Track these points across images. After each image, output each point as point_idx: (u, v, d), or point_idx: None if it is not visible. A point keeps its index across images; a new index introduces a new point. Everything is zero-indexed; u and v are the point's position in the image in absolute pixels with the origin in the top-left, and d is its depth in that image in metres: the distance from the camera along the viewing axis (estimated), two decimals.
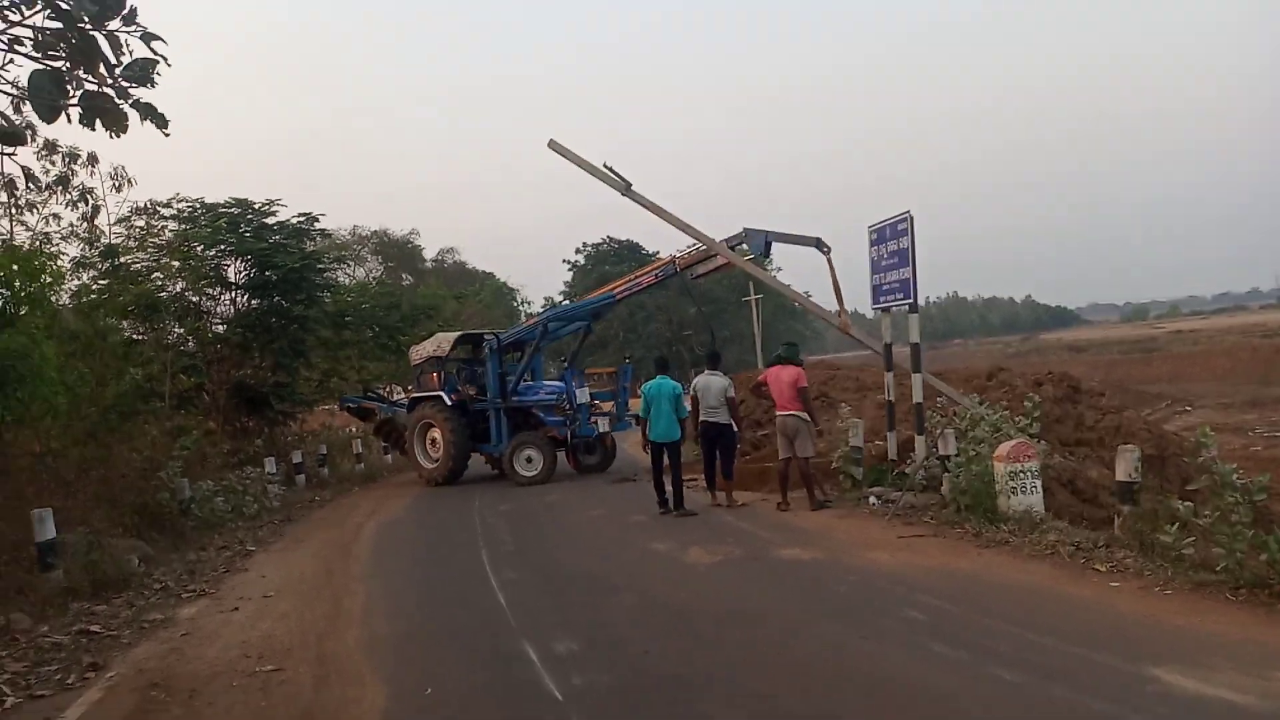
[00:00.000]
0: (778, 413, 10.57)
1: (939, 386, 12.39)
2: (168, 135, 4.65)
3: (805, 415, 10.46)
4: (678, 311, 57.03)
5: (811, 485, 10.43)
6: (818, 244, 13.47)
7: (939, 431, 9.82)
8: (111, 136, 4.44)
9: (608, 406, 16.28)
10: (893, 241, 10.58)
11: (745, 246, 14.04)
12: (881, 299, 10.97)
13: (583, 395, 15.29)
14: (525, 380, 15.94)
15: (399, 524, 12.22)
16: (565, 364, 17.66)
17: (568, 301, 47.85)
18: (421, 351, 16.75)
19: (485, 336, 16.62)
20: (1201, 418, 29.97)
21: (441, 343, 16.46)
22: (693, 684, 5.04)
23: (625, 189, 14.46)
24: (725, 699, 4.78)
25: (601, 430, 15.65)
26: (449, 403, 15.73)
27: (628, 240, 63.71)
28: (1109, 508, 8.76)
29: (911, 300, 10.31)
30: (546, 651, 5.74)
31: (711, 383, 10.78)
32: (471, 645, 6.17)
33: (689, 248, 14.73)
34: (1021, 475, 8.38)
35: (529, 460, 14.98)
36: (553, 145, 14.98)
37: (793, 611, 6.42)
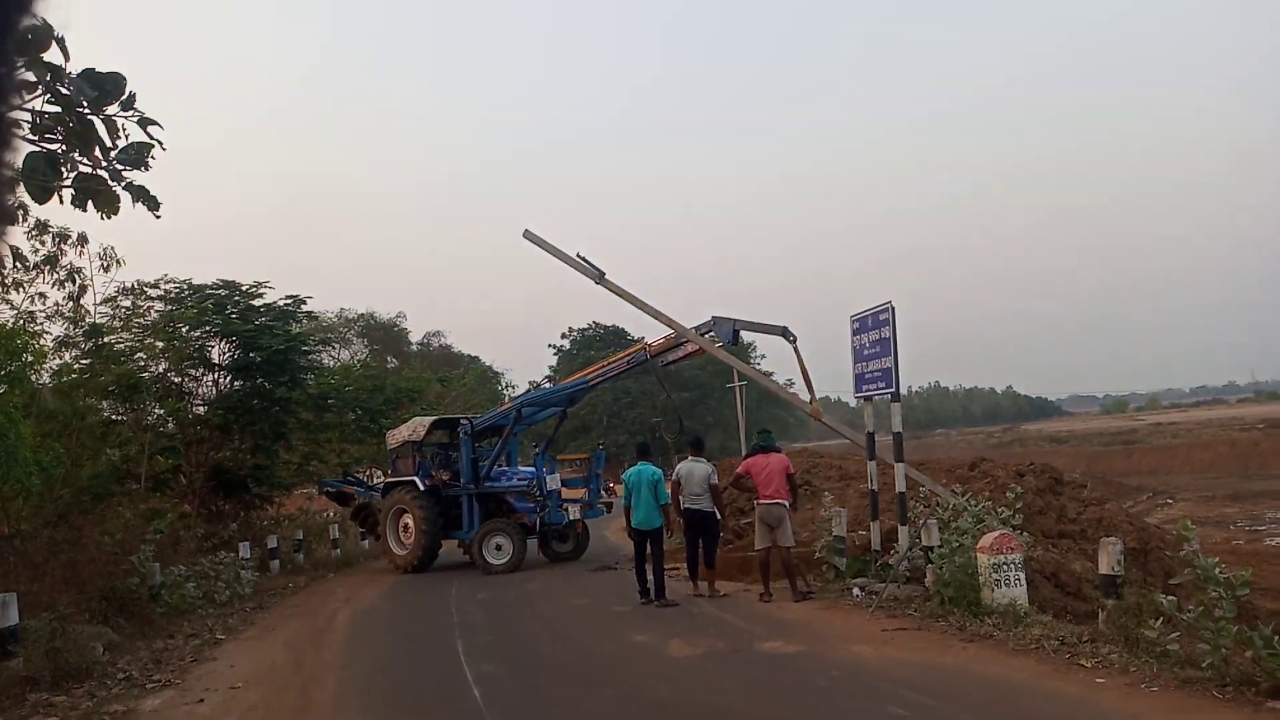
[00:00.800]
0: (761, 500, 10.50)
1: (918, 478, 12.40)
2: (159, 218, 4.71)
3: (789, 504, 10.42)
4: (661, 397, 57.15)
5: (794, 576, 10.31)
6: (784, 332, 13.78)
7: (922, 522, 9.78)
8: (103, 218, 4.49)
9: (580, 493, 16.16)
10: (874, 331, 10.71)
11: (714, 334, 14.23)
12: (864, 388, 11.05)
13: (553, 482, 15.15)
14: (500, 465, 15.82)
15: (374, 612, 11.95)
16: (537, 450, 17.50)
17: (551, 385, 47.82)
18: (398, 436, 16.61)
19: (460, 421, 16.54)
20: (1183, 510, 29.99)
21: (417, 427, 16.34)
22: None
23: (599, 278, 14.79)
24: None
25: (573, 517, 15.46)
26: (422, 488, 15.60)
27: (613, 325, 64.28)
28: (1092, 601, 8.69)
29: (894, 389, 10.39)
30: None
31: (694, 469, 10.71)
32: None
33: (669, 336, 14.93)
34: (1005, 567, 8.32)
35: (498, 548, 14.71)
36: (528, 235, 15.34)
37: (775, 707, 6.28)
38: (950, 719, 5.66)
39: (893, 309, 10.44)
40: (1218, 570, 6.01)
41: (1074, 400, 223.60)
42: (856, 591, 10.16)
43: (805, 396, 14.61)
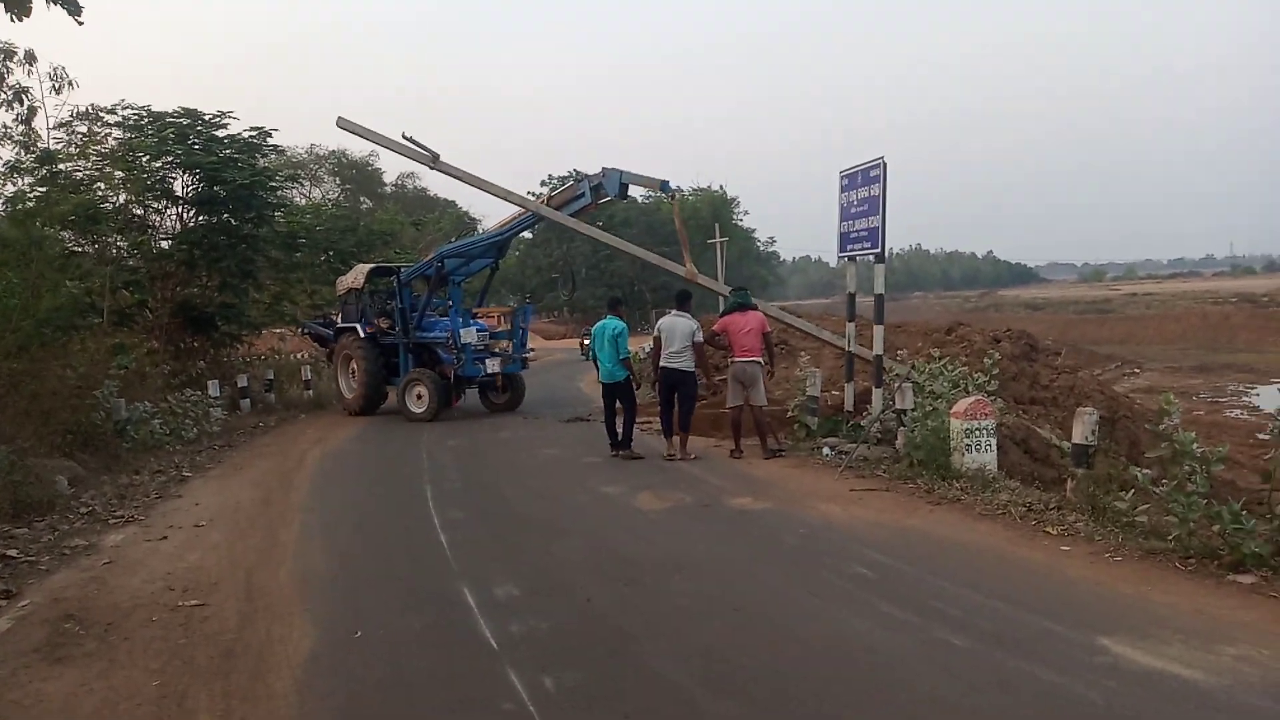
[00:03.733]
0: (736, 359, 10.34)
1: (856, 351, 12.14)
2: (81, 23, 4.20)
3: (763, 362, 10.28)
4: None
5: (765, 434, 10.28)
6: (664, 186, 13.65)
7: (897, 385, 9.69)
8: (13, 19, 3.98)
9: (504, 345, 16.08)
10: (864, 188, 10.30)
11: (604, 185, 13.90)
12: (849, 247, 10.72)
13: (468, 335, 14.97)
14: (431, 316, 15.81)
15: (344, 454, 11.92)
16: (449, 305, 17.20)
17: (528, 234, 47.27)
18: (344, 283, 16.72)
19: (396, 270, 16.35)
20: (1149, 380, 30.55)
21: (358, 274, 16.37)
22: (633, 635, 4.87)
23: (433, 160, 14.34)
24: (665, 651, 4.62)
25: (490, 371, 15.36)
26: (362, 335, 15.81)
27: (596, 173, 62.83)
28: (1060, 468, 8.74)
29: (879, 250, 10.08)
30: (485, 596, 5.55)
31: (677, 324, 10.30)
32: (408, 586, 5.95)
33: (558, 188, 14.87)
34: (977, 433, 8.29)
35: (419, 397, 14.87)
36: (341, 123, 14.61)
37: (740, 563, 6.28)
38: (914, 581, 5.66)
39: (884, 165, 10.01)
40: (1194, 445, 5.94)
41: (1053, 268, 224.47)
42: (827, 450, 10.17)
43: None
